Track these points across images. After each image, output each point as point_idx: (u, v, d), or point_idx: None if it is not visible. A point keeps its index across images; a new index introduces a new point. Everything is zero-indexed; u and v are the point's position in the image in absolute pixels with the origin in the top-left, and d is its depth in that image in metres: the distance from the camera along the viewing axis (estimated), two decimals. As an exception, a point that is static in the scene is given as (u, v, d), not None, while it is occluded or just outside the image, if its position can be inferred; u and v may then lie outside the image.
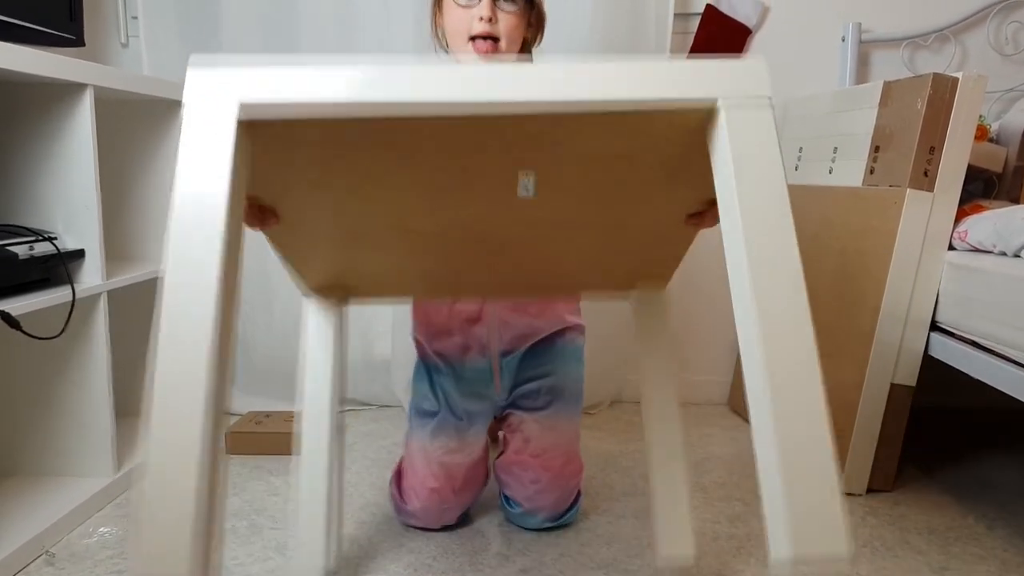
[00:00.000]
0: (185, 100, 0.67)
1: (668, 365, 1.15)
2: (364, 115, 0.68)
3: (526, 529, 1.31)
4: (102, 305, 1.38)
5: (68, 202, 1.36)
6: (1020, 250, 1.25)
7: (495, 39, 1.18)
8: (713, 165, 0.70)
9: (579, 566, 1.19)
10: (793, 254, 0.68)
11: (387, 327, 1.93)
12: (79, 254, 1.36)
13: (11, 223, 1.34)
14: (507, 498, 1.33)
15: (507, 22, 1.18)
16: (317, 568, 1.13)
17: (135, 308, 1.70)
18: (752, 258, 0.67)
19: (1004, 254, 1.28)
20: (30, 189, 1.36)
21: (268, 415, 1.76)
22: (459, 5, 1.18)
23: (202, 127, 0.67)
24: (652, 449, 1.14)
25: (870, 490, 1.46)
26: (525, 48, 1.26)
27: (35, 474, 1.43)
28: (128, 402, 1.76)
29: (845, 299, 1.55)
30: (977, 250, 1.36)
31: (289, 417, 1.76)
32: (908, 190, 1.40)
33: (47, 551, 1.22)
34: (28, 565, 1.18)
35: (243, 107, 0.67)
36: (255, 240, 0.90)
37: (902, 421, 1.44)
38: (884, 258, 1.43)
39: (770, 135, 0.68)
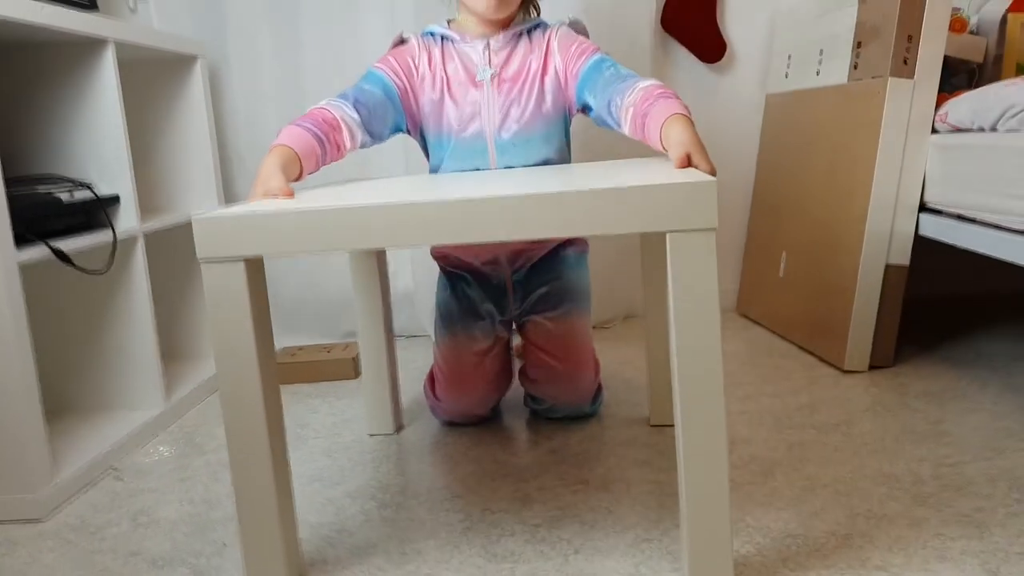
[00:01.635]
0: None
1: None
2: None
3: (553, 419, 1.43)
4: (140, 247, 1.48)
5: (100, 152, 1.45)
6: (996, 123, 1.32)
7: None
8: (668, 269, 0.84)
9: (602, 444, 1.29)
10: (715, 353, 0.83)
11: (406, 260, 2.02)
12: (115, 200, 1.45)
13: (50, 172, 1.44)
14: (532, 398, 1.43)
15: None
16: (388, 427, 1.40)
17: (170, 256, 1.80)
18: (681, 354, 0.83)
19: (982, 129, 1.35)
20: (64, 142, 1.45)
21: (301, 348, 1.86)
22: None
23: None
24: (649, 333, 1.32)
25: (872, 367, 1.55)
26: (525, 4, 1.33)
27: (91, 408, 1.54)
28: (172, 345, 1.87)
29: (837, 192, 1.62)
30: (958, 130, 1.43)
31: (322, 348, 1.87)
32: (890, 79, 1.47)
33: (113, 468, 1.33)
34: (98, 481, 1.30)
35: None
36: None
37: (898, 299, 1.53)
38: (871, 147, 1.51)
39: (708, 259, 0.82)
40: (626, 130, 1.17)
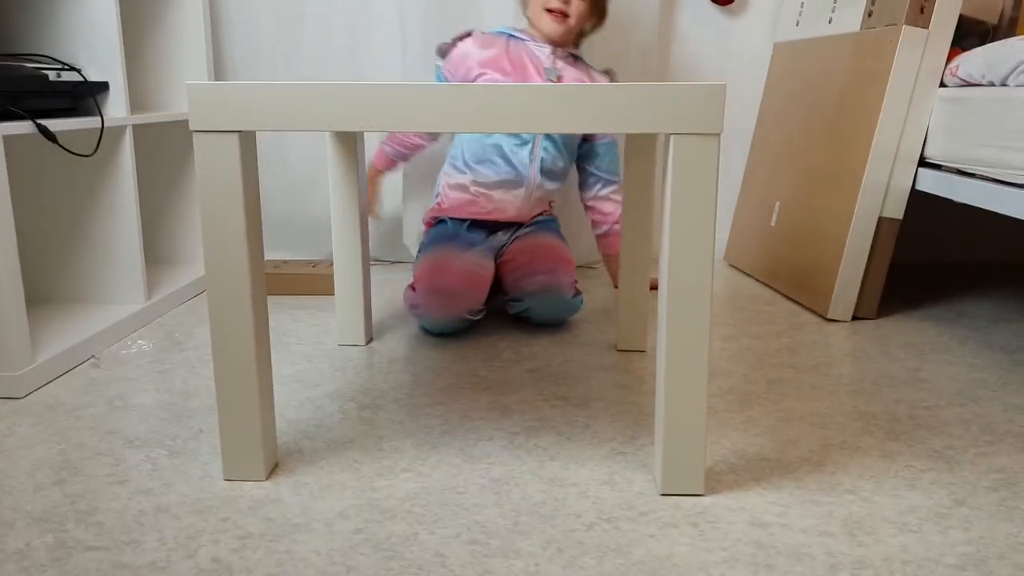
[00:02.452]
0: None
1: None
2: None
3: (536, 325, 1.50)
4: (128, 137, 1.44)
5: (90, 37, 1.40)
6: (1008, 77, 1.31)
7: (565, 15, 1.49)
8: (664, 171, 0.84)
9: (582, 367, 1.30)
10: (707, 261, 0.83)
11: (397, 185, 1.99)
12: (103, 86, 1.41)
13: (37, 53, 1.39)
14: (513, 301, 1.50)
15: (578, 8, 1.50)
16: (359, 339, 1.41)
17: (158, 158, 1.76)
18: (672, 259, 0.82)
19: (992, 84, 1.34)
20: (52, 23, 1.40)
21: (285, 261, 1.84)
22: None
23: None
24: (623, 258, 1.36)
25: (855, 318, 1.56)
26: (582, 32, 1.59)
27: (72, 301, 1.52)
28: (158, 248, 1.84)
29: (840, 141, 1.61)
30: (967, 84, 1.41)
31: (308, 263, 1.85)
32: (904, 27, 1.44)
33: (93, 356, 1.32)
34: (76, 367, 1.28)
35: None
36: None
37: (887, 252, 1.53)
38: (877, 97, 1.49)
39: (710, 166, 0.81)
40: (585, 204, 1.66)
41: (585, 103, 0.79)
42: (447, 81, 1.54)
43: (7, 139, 1.14)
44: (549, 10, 1.49)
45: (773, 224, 1.84)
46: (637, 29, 1.91)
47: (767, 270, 1.85)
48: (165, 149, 1.75)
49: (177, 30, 1.74)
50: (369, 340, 1.44)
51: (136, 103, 1.70)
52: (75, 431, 1.05)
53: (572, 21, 1.51)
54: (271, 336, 1.46)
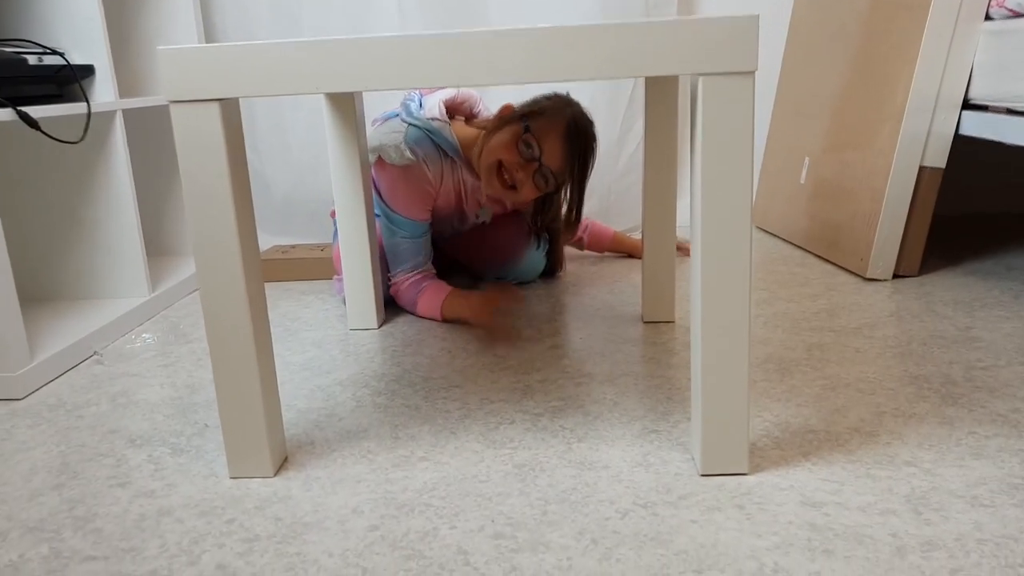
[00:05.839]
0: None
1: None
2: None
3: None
4: (118, 122, 1.37)
5: (71, 15, 1.33)
6: (1061, 4, 1.19)
7: (512, 187, 1.28)
8: (691, 119, 0.75)
9: (608, 342, 1.22)
10: (745, 216, 0.74)
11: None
12: (89, 69, 1.34)
13: (17, 38, 1.32)
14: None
15: (528, 196, 1.29)
16: (371, 322, 1.35)
17: (153, 146, 1.69)
18: (707, 212, 0.74)
19: (1043, 13, 1.23)
20: (30, 5, 1.33)
21: (293, 246, 1.78)
22: (518, 157, 1.24)
23: None
24: (646, 223, 1.27)
25: (896, 276, 1.47)
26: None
27: (73, 297, 1.47)
28: (159, 240, 1.78)
29: (871, 89, 1.50)
30: (1016, 14, 1.30)
31: (316, 247, 1.79)
32: (942, -43, 1.33)
33: (96, 352, 1.27)
34: (79, 364, 1.23)
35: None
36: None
37: (930, 204, 1.43)
38: (915, 35, 1.38)
39: (746, 107, 0.71)
40: None
41: (597, 45, 0.70)
42: (407, 224, 1.33)
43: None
44: (499, 181, 1.28)
45: (802, 181, 1.73)
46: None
47: (798, 231, 1.75)
48: (162, 135, 1.68)
49: (165, 10, 1.66)
50: (382, 323, 1.37)
51: (127, 88, 1.63)
52: (76, 431, 0.99)
53: (510, 205, 1.47)
54: (279, 323, 1.39)
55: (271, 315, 1.46)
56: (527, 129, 1.23)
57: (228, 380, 0.82)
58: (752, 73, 0.71)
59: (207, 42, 1.81)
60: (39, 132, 1.15)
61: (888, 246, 1.44)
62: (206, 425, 0.99)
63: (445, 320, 1.34)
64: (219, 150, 0.75)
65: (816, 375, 1.05)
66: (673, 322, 1.30)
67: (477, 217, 1.45)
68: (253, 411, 0.82)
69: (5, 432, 1.00)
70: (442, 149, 1.33)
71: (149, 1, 1.65)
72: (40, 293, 1.47)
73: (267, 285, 1.65)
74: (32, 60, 1.22)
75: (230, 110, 0.77)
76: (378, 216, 1.34)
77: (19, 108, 1.12)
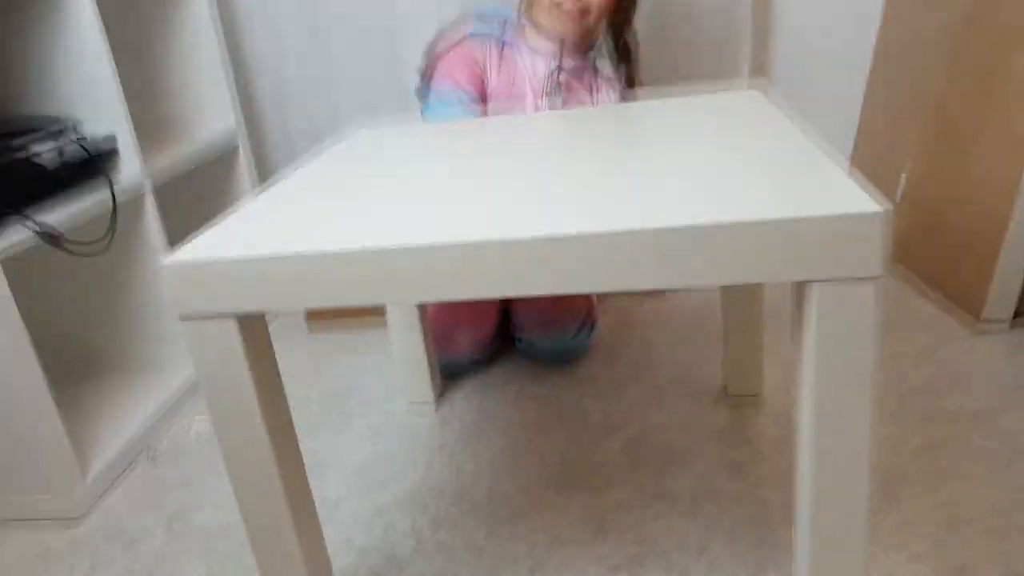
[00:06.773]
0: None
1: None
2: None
3: (543, 363, 1.37)
4: (148, 200, 1.28)
5: (81, 79, 1.21)
6: None
7: (585, 12, 1.22)
8: (802, 330, 0.61)
9: (687, 433, 1.11)
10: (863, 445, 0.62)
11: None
12: (112, 152, 1.23)
13: (26, 114, 1.22)
14: (520, 339, 1.38)
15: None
16: (427, 396, 1.27)
17: (184, 195, 1.59)
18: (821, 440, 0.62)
19: None
20: (39, 74, 1.22)
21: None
22: None
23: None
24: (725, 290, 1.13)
25: (1017, 315, 1.28)
26: (612, 30, 1.31)
27: (116, 370, 1.43)
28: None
29: (992, 88, 1.27)
30: None
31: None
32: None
33: (149, 448, 1.24)
34: (134, 467, 1.20)
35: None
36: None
37: (1061, 238, 1.23)
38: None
39: (866, 320, 0.57)
40: None
41: (684, 253, 0.56)
42: (440, 95, 1.28)
43: (4, 261, 0.99)
44: (559, 4, 1.23)
45: (899, 200, 1.52)
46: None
47: (892, 255, 1.55)
48: (193, 183, 1.58)
49: (182, 38, 1.52)
50: (439, 394, 1.29)
51: (147, 139, 1.50)
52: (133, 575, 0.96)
53: (592, 17, 1.25)
54: (333, 403, 1.32)
55: (322, 375, 1.40)
56: None
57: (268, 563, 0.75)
58: (877, 279, 0.56)
59: (231, 56, 1.66)
60: (63, 250, 1.07)
61: (1008, 282, 1.25)
62: None
63: None
64: (242, 374, 0.66)
65: (932, 500, 0.92)
66: (758, 395, 1.18)
67: (545, 100, 1.33)
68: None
69: (66, 574, 0.98)
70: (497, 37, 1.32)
71: (162, 30, 1.51)
72: (82, 369, 1.44)
73: (317, 336, 1.59)
74: (49, 161, 1.12)
75: (253, 322, 0.66)
76: (427, 117, 1.31)
77: (39, 226, 1.04)
